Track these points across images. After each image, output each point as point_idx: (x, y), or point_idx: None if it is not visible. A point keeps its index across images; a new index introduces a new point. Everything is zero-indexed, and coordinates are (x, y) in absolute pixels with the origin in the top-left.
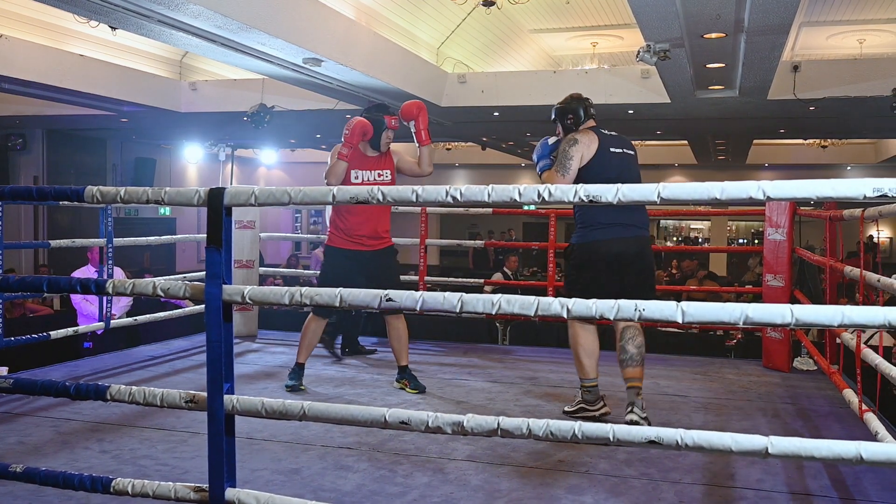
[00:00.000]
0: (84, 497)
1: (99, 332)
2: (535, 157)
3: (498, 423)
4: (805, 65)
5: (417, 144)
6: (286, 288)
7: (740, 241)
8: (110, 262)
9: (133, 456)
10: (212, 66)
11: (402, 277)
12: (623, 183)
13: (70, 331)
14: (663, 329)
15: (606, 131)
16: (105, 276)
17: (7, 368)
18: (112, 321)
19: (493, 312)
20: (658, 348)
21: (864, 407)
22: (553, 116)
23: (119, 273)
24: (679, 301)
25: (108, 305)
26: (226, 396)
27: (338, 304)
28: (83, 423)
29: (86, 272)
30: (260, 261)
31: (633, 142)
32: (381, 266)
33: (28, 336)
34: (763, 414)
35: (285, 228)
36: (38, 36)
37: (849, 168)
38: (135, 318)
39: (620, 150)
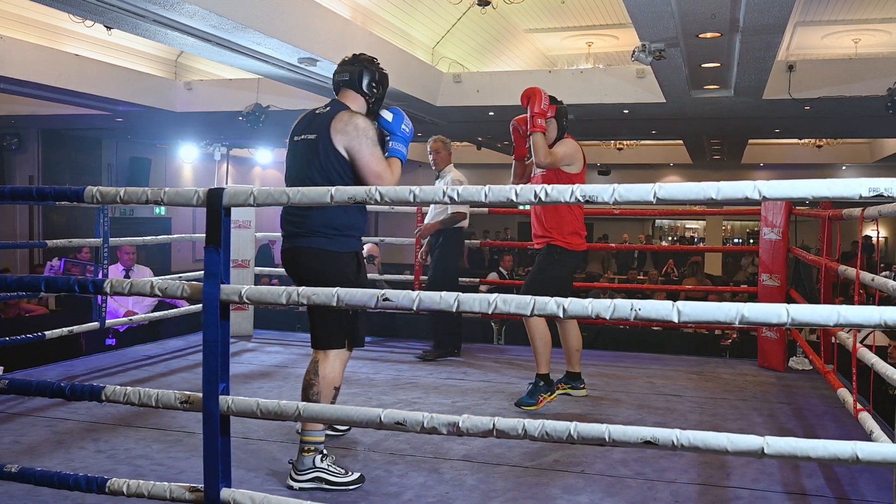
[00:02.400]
0: (79, 497)
1: (121, 329)
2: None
3: (493, 424)
4: (800, 64)
5: None
6: (283, 288)
7: (735, 240)
8: (106, 261)
9: (128, 456)
10: (207, 65)
11: (400, 277)
12: (288, 175)
13: (65, 331)
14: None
15: (316, 110)
16: (101, 276)
17: (2, 368)
18: (108, 321)
19: (490, 312)
20: (653, 348)
21: (859, 406)
22: None
23: (147, 272)
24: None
25: (104, 304)
26: (221, 397)
27: (335, 304)
28: (78, 423)
29: (115, 271)
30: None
31: (628, 141)
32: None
33: (23, 336)
34: (758, 414)
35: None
36: (33, 35)
37: (844, 168)
38: (130, 318)
39: (302, 137)
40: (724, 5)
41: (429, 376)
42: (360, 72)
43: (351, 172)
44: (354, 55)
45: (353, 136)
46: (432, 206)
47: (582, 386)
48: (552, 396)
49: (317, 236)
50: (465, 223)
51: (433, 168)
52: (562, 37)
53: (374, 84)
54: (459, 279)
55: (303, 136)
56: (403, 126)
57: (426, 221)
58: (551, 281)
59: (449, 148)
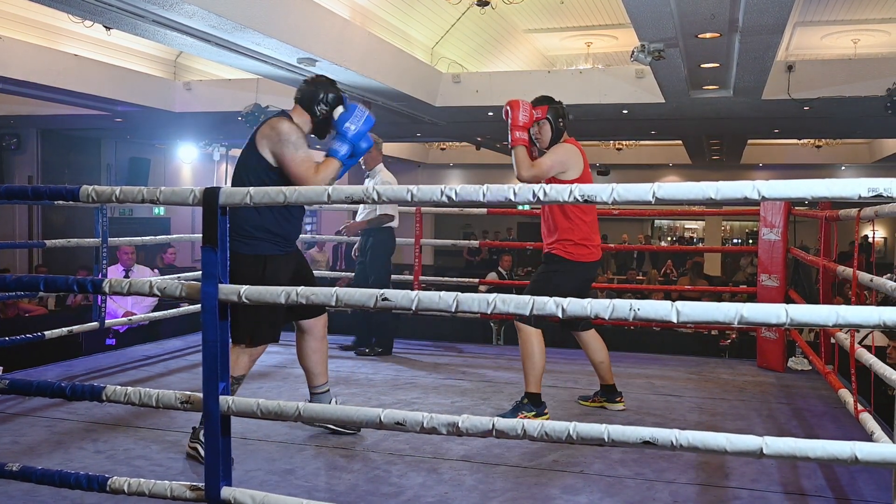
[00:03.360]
0: (78, 496)
1: (121, 330)
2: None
3: (493, 424)
4: (799, 65)
5: None
6: (282, 287)
7: (735, 241)
8: (105, 261)
9: (127, 456)
10: (206, 65)
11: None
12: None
13: (64, 331)
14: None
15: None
16: (100, 276)
17: (1, 368)
18: (107, 321)
19: (489, 312)
20: (652, 348)
21: (860, 407)
22: None
23: (147, 272)
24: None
25: (103, 304)
26: (221, 397)
27: (333, 304)
28: (77, 424)
29: (115, 272)
30: None
31: (628, 142)
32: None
33: (22, 336)
34: (758, 414)
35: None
36: (32, 36)
37: (843, 168)
38: (129, 318)
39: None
40: (724, 6)
41: (428, 376)
42: (311, 91)
43: (280, 176)
44: (316, 76)
45: (276, 140)
46: (362, 205)
47: (619, 399)
48: (535, 415)
49: (233, 240)
50: (395, 223)
51: (362, 167)
52: (561, 37)
53: (322, 104)
54: (391, 278)
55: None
56: (348, 124)
57: (356, 220)
58: (550, 292)
59: (380, 147)
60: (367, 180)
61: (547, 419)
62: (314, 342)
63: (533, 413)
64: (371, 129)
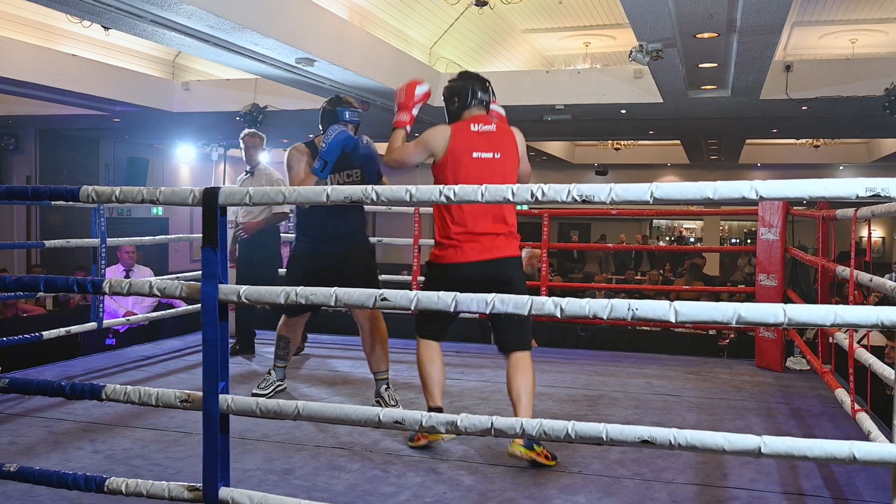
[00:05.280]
0: (77, 497)
1: (121, 330)
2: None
3: (491, 423)
4: (797, 64)
5: None
6: (281, 287)
7: (733, 240)
8: (103, 261)
9: (126, 456)
10: (204, 66)
11: (397, 278)
12: None
13: (63, 331)
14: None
15: None
16: (99, 276)
17: (0, 368)
18: (106, 321)
19: (488, 312)
20: (650, 348)
21: (857, 406)
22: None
23: (147, 272)
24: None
25: (102, 305)
26: (221, 396)
27: (332, 304)
28: (76, 424)
29: (115, 272)
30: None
31: (626, 142)
32: None
33: (21, 336)
34: (756, 413)
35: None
36: (30, 36)
37: (841, 168)
38: (128, 318)
39: None
40: (722, 5)
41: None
42: (321, 111)
43: None
44: (336, 97)
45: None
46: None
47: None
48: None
49: None
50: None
51: (250, 162)
52: (559, 37)
53: (321, 123)
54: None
55: None
56: (322, 143)
57: (241, 220)
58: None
59: (263, 144)
60: (247, 177)
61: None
62: (362, 333)
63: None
64: (342, 142)
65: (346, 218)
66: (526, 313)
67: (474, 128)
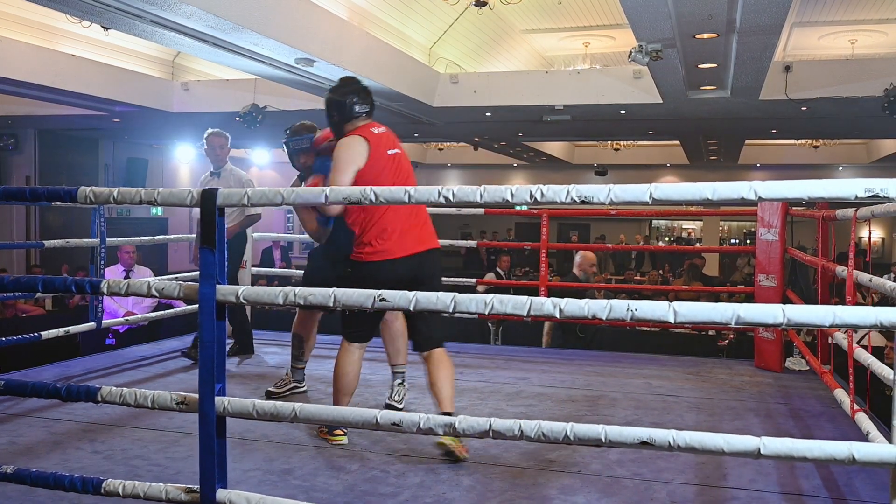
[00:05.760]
0: (75, 498)
1: (121, 330)
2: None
3: (489, 425)
4: (797, 65)
5: None
6: (280, 288)
7: (732, 241)
8: (102, 262)
9: (125, 456)
10: (204, 66)
11: None
12: None
13: (62, 331)
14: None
15: None
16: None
17: None
18: (105, 321)
19: (486, 312)
20: (650, 349)
21: (856, 407)
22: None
23: (147, 273)
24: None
25: (100, 305)
26: (217, 398)
27: (332, 304)
28: (75, 424)
29: (115, 272)
30: None
31: (625, 142)
32: None
33: (20, 336)
34: (755, 414)
35: (277, 228)
36: (30, 36)
37: (840, 168)
38: (126, 318)
39: None
40: (721, 6)
41: (424, 377)
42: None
43: None
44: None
45: None
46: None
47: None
48: (329, 434)
49: None
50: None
51: (216, 163)
52: (559, 37)
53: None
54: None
55: None
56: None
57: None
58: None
59: (228, 143)
60: (213, 178)
61: (340, 440)
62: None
63: (326, 430)
64: (301, 146)
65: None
66: (525, 314)
67: (375, 130)
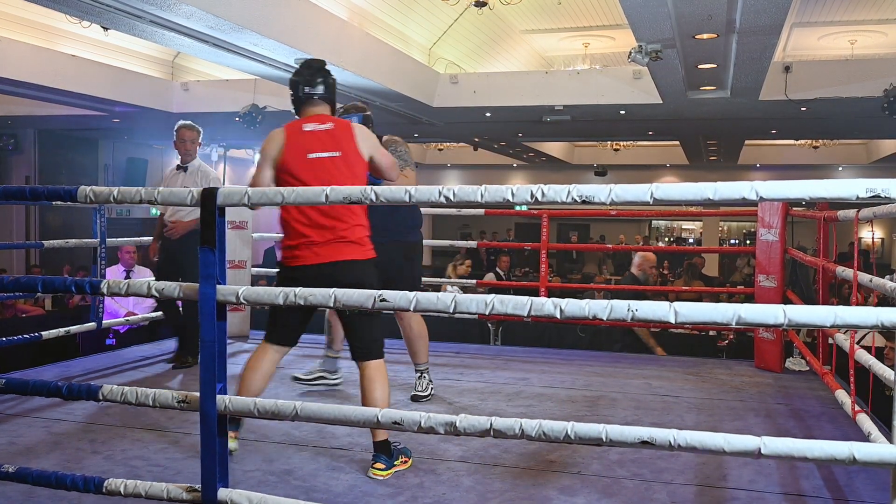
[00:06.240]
0: (76, 497)
1: (122, 330)
2: None
3: (490, 424)
4: (796, 65)
5: None
6: (280, 288)
7: (732, 241)
8: (102, 261)
9: (125, 457)
10: (204, 66)
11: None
12: None
13: (62, 331)
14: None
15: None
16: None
17: None
18: (105, 321)
19: (487, 313)
20: (649, 349)
21: (857, 407)
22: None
23: (147, 273)
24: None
25: (101, 305)
26: (219, 396)
27: (331, 305)
28: (75, 424)
29: (116, 272)
30: None
31: (625, 142)
32: None
33: (20, 336)
34: (755, 414)
35: (278, 229)
36: (29, 36)
37: (840, 168)
38: (126, 318)
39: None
40: (721, 6)
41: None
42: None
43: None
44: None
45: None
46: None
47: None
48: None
49: None
50: None
51: (184, 158)
52: (558, 38)
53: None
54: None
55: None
56: None
57: (168, 219)
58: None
59: (200, 138)
60: (181, 174)
61: (232, 441)
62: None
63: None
64: None
65: (379, 215)
66: (525, 315)
67: (307, 127)
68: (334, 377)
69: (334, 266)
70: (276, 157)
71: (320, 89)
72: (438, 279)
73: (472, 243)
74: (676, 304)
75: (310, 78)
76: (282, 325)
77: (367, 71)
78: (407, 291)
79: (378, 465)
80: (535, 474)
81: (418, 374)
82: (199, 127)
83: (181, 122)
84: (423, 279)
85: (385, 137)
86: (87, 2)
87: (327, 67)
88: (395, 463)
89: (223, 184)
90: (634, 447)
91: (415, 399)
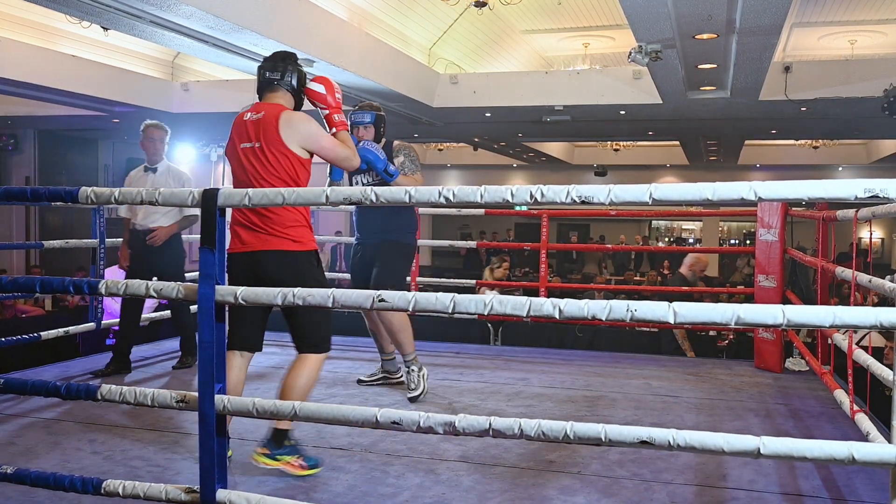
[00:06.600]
0: (75, 498)
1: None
2: (380, 164)
3: (490, 424)
4: (796, 65)
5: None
6: (279, 289)
7: (732, 241)
8: (102, 262)
9: (125, 457)
10: (204, 66)
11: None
12: None
13: (61, 331)
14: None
15: None
16: (98, 277)
17: None
18: (105, 321)
19: (486, 313)
20: (649, 349)
21: (856, 407)
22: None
23: None
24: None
25: (100, 305)
26: (217, 396)
27: (330, 305)
28: (74, 424)
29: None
30: None
31: (625, 142)
32: None
33: (19, 336)
34: (755, 414)
35: None
36: (29, 36)
37: (840, 169)
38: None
39: None
40: (721, 6)
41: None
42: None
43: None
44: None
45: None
46: (148, 208)
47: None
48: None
49: None
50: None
51: (152, 158)
52: (558, 38)
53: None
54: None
55: None
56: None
57: (144, 224)
58: None
59: (167, 137)
60: (150, 174)
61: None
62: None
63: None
64: (359, 120)
65: (378, 216)
66: (524, 315)
67: (246, 116)
68: (396, 377)
69: (262, 255)
70: (226, 146)
71: (277, 74)
72: (445, 280)
73: (472, 243)
74: (676, 303)
75: (271, 63)
76: (238, 329)
77: (366, 71)
78: (405, 292)
79: (262, 449)
80: (535, 474)
81: (407, 370)
82: (168, 127)
83: (148, 120)
84: (422, 279)
85: (395, 143)
86: (87, 2)
87: (297, 59)
88: (284, 458)
89: (223, 184)
90: (634, 447)
91: (412, 400)
